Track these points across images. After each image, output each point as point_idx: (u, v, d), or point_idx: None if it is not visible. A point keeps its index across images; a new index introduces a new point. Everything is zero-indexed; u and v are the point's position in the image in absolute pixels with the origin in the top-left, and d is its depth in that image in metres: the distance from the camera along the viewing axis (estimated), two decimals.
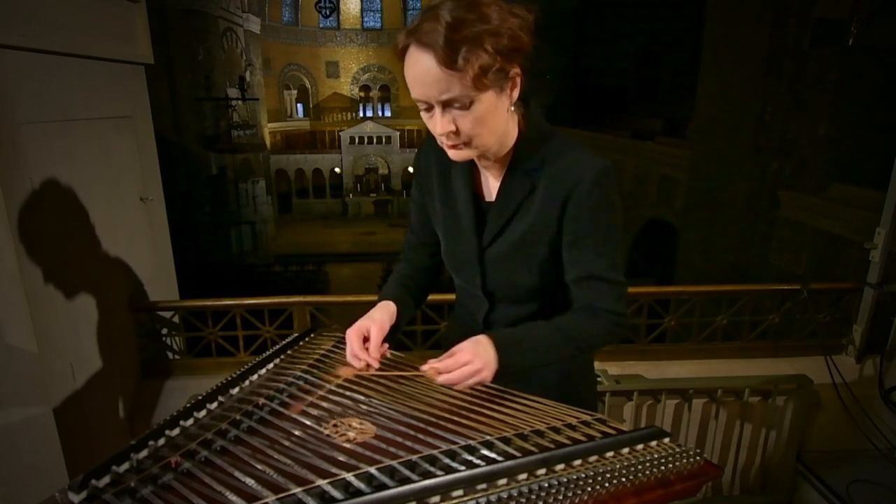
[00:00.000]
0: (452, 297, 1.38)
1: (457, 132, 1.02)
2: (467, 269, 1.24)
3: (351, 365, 1.16)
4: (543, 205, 1.11)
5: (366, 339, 1.17)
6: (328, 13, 32.75)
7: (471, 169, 1.20)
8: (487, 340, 1.06)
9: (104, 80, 2.20)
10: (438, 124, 1.02)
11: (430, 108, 1.02)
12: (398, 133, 32.37)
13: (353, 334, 1.17)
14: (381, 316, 1.21)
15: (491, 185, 1.19)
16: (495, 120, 1.04)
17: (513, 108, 1.08)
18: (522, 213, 1.14)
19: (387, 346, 1.21)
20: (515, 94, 1.05)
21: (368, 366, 1.14)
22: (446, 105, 1.00)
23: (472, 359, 1.03)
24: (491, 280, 1.21)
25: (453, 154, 1.08)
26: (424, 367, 1.07)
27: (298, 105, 34.38)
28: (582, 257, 1.12)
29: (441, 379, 1.04)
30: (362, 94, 35.15)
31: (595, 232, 1.10)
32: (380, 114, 34.98)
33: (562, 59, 18.11)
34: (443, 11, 0.94)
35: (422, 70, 0.97)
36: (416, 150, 1.32)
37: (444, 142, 1.06)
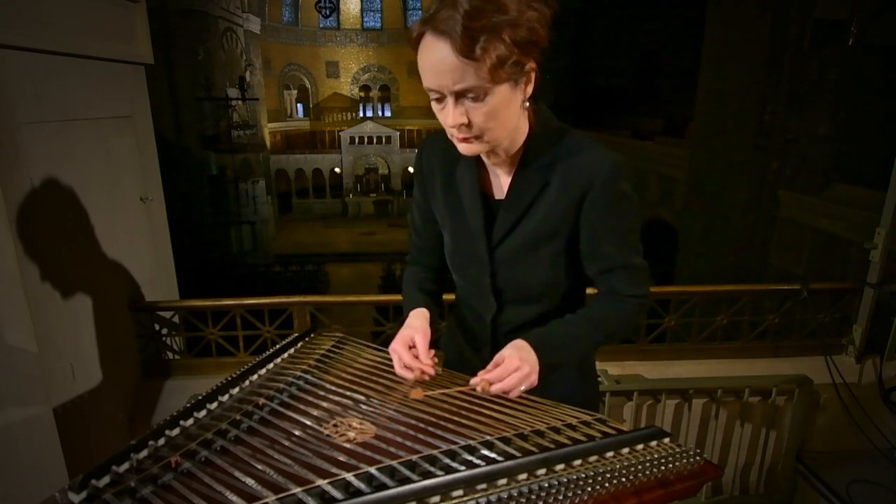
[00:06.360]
0: (452, 296, 1.36)
1: (469, 125, 1.00)
2: (475, 269, 1.21)
3: (414, 384, 1.11)
4: (556, 200, 1.10)
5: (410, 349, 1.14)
6: (328, 13, 32.70)
7: (477, 167, 1.18)
8: (527, 344, 1.07)
9: (104, 80, 2.20)
10: (450, 115, 0.99)
11: (441, 99, 0.99)
12: (398, 133, 32.31)
13: (399, 346, 1.14)
14: (422, 324, 1.19)
15: (501, 182, 1.17)
16: (508, 114, 1.02)
17: (527, 104, 1.06)
18: (534, 210, 1.12)
19: (433, 352, 1.16)
20: (530, 89, 1.03)
21: (423, 372, 1.10)
22: (459, 96, 0.97)
23: (521, 364, 1.03)
24: (500, 279, 1.19)
25: (463, 148, 1.05)
26: (475, 380, 1.05)
27: (298, 105, 34.32)
28: (601, 253, 1.13)
29: (495, 388, 1.03)
30: (362, 94, 35.09)
31: (612, 228, 1.12)
32: (380, 114, 34.91)
33: (562, 59, 18.07)
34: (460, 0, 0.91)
35: (437, 58, 0.94)
36: (417, 150, 1.29)
37: (454, 134, 1.04)
